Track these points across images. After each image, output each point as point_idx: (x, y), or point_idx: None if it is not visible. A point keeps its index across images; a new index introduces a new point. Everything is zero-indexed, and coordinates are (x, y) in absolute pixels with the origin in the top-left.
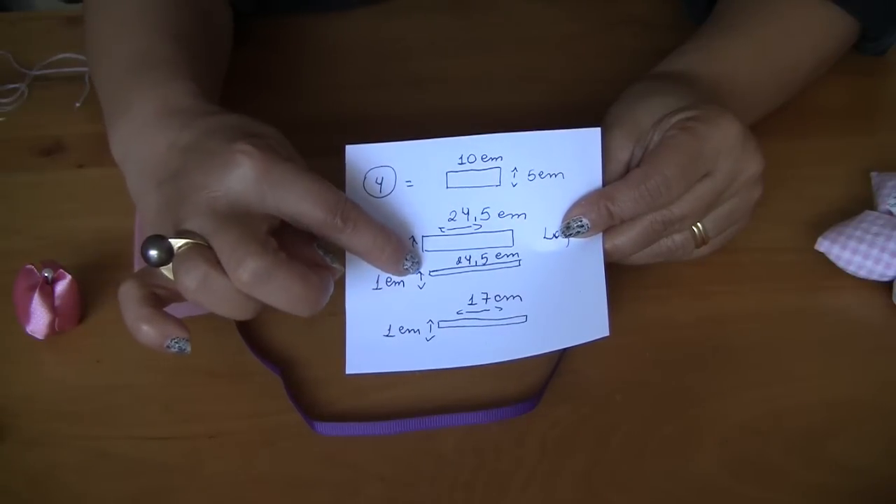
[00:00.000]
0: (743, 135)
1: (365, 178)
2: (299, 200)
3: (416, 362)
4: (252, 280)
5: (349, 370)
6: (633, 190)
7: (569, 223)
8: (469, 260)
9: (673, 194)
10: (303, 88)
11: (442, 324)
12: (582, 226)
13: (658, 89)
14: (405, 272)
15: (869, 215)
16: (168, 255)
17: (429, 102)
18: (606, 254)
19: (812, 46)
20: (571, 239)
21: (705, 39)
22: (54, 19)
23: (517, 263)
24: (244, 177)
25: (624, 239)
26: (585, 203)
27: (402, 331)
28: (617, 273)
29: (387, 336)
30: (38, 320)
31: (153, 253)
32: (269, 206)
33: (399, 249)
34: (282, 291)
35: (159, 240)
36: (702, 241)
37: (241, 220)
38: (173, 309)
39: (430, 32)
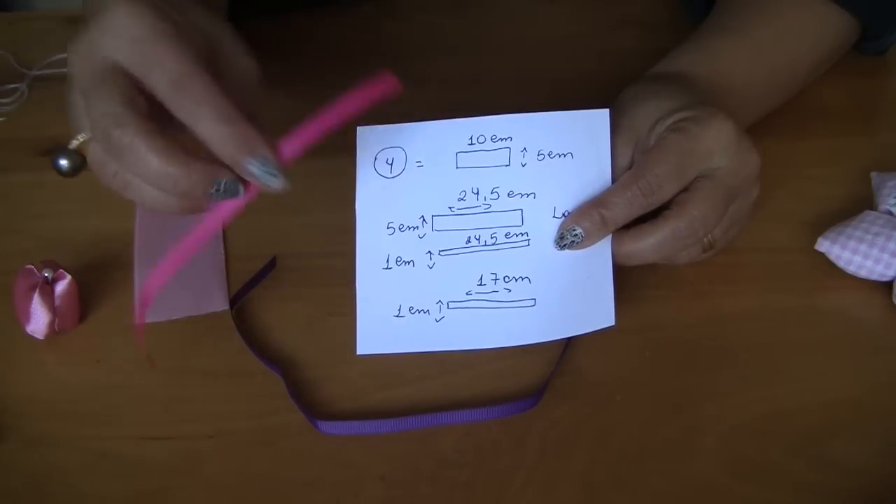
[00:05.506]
0: (736, 133)
1: (376, 158)
2: (150, 54)
3: (426, 343)
4: (103, 138)
5: (360, 350)
6: (626, 191)
7: (563, 233)
8: (478, 240)
9: (665, 192)
10: (303, 88)
11: (451, 305)
12: (576, 235)
13: (653, 93)
14: (249, 175)
15: (869, 215)
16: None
17: (429, 102)
18: (624, 256)
19: (810, 46)
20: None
21: (701, 40)
22: (54, 19)
23: (526, 243)
24: (118, 27)
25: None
26: (578, 213)
27: (412, 311)
28: (617, 273)
29: (397, 316)
30: (38, 320)
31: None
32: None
33: (246, 145)
34: (140, 164)
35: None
36: (709, 245)
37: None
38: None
39: (430, 32)
